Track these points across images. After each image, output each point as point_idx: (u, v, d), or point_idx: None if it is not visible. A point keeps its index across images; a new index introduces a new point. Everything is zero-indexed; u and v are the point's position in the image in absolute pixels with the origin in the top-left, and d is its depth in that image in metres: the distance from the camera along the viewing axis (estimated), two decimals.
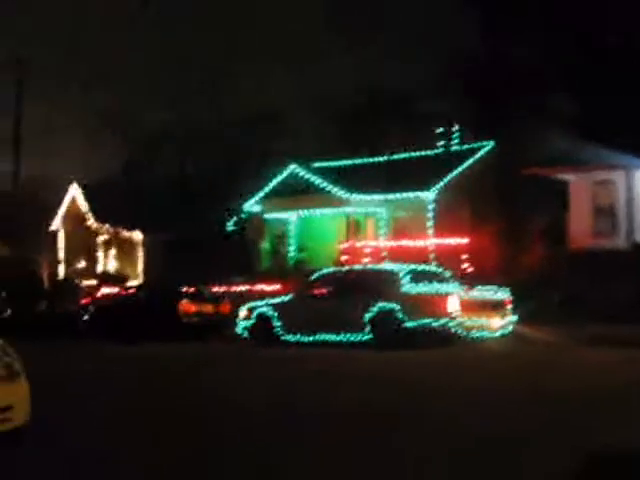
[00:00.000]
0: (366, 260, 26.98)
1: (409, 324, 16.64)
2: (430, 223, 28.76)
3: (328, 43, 43.62)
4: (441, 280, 17.99)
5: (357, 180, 29.77)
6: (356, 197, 29.23)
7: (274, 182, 30.99)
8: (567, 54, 29.32)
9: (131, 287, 27.60)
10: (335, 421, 8.18)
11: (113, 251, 38.63)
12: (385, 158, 32.74)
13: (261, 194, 31.41)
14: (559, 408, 8.76)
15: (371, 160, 33.13)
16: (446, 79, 32.33)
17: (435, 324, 16.54)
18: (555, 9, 29.35)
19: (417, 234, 28.34)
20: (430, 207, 28.90)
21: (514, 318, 17.99)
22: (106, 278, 34.13)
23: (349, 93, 38.74)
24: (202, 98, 42.98)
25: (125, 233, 37.99)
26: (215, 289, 26.32)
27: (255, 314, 19.21)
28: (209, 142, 42.08)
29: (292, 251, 30.94)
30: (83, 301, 25.79)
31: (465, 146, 31.47)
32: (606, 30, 28.23)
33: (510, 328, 17.87)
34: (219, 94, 43.70)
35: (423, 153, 32.22)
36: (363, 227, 30.76)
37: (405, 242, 27.92)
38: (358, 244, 29.09)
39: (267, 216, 31.25)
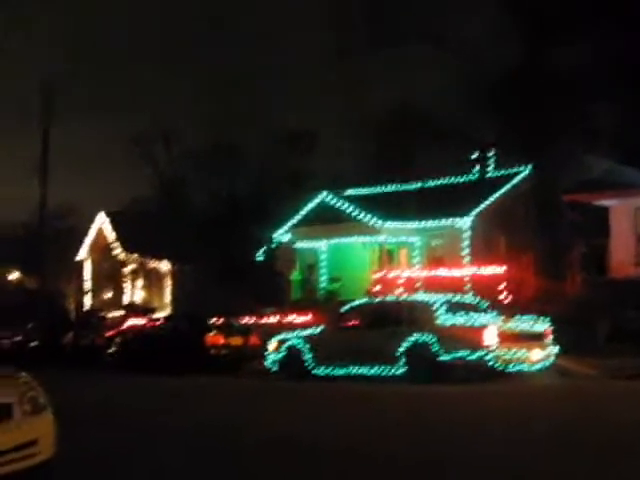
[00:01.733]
0: (399, 291, 27.01)
1: (444, 357, 16.54)
2: (466, 252, 28.78)
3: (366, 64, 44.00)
4: (478, 311, 17.85)
5: (390, 208, 29.83)
6: (389, 225, 29.32)
7: (305, 210, 31.23)
8: (611, 69, 29.01)
9: (158, 318, 27.69)
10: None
11: (140, 281, 38.92)
12: (418, 185, 32.80)
13: (291, 223, 31.63)
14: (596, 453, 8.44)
15: (404, 187, 33.18)
16: (482, 100, 32.33)
17: (472, 357, 16.35)
18: (601, 20, 29.10)
19: (452, 263, 28.30)
20: (466, 235, 28.91)
21: (555, 350, 17.72)
22: (133, 309, 34.40)
23: (383, 113, 39.21)
24: (238, 119, 44.60)
25: (152, 263, 38.18)
26: (244, 320, 26.43)
27: (285, 346, 19.16)
28: (242, 165, 42.58)
29: (323, 281, 30.95)
30: (109, 333, 26.02)
31: (501, 171, 31.58)
32: None
33: (551, 360, 17.60)
34: (254, 114, 45.06)
35: (458, 179, 32.33)
36: (396, 256, 30.84)
37: (440, 272, 27.84)
38: (391, 274, 29.01)
39: (297, 245, 31.34)
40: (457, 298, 18.73)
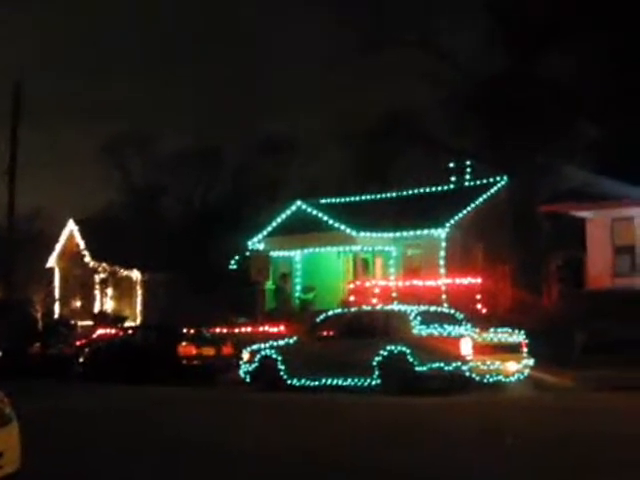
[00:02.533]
0: (375, 301, 26.95)
1: (420, 368, 16.61)
2: (442, 262, 28.63)
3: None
4: (454, 322, 17.95)
5: (366, 217, 29.84)
6: (364, 235, 29.24)
7: (280, 219, 31.10)
8: (593, 79, 29.33)
9: (129, 328, 27.68)
10: None
11: (111, 290, 38.54)
12: (395, 194, 32.87)
13: (266, 231, 31.45)
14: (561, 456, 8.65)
15: (381, 196, 33.19)
16: (462, 108, 32.51)
17: (448, 368, 16.43)
18: (583, 30, 29.32)
19: (428, 273, 28.25)
20: (442, 245, 28.82)
21: (530, 362, 17.75)
22: (103, 318, 34.18)
23: (364, 120, 40.03)
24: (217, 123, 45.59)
25: (124, 271, 37.97)
26: (217, 331, 26.28)
27: (259, 357, 19.14)
28: (218, 171, 42.90)
29: (297, 291, 30.88)
30: (78, 342, 25.83)
31: (478, 181, 31.61)
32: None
33: (526, 372, 17.66)
34: (236, 119, 46.11)
35: (435, 189, 32.26)
36: (372, 266, 30.69)
37: (416, 282, 27.87)
38: (367, 284, 29.01)
39: (272, 254, 31.21)
40: (433, 309, 18.86)
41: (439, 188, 32.08)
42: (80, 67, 63.03)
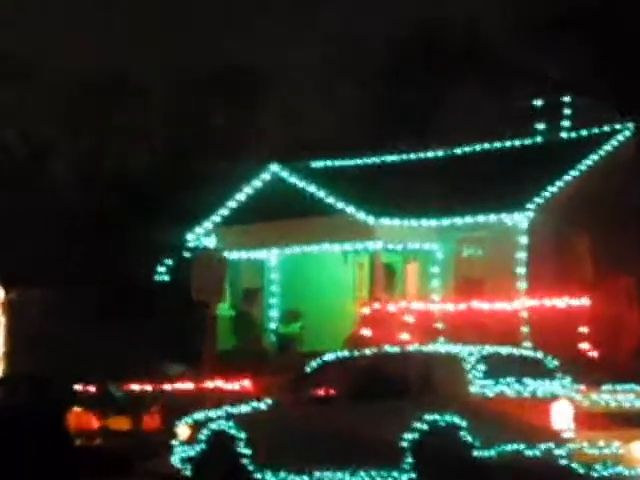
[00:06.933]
0: (405, 336, 27.27)
1: (483, 452, 16.48)
2: (522, 269, 28.90)
3: None
4: (541, 373, 17.94)
5: (390, 194, 30.24)
6: (388, 223, 29.63)
7: (242, 195, 31.52)
8: None
9: None
10: None
11: None
12: (441, 154, 33.00)
13: (218, 217, 31.82)
14: None
15: (414, 158, 33.30)
16: (550, 21, 33.71)
17: (530, 453, 16.26)
18: None
19: (498, 289, 28.61)
20: (522, 241, 29.08)
21: None
22: None
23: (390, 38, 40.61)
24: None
25: None
26: (135, 388, 26.54)
27: (206, 434, 19.08)
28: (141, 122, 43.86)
29: (273, 320, 31.14)
30: None
31: (584, 132, 31.91)
32: None
33: None
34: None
35: (507, 145, 32.37)
36: (400, 276, 31.18)
37: (477, 304, 28.12)
38: (391, 307, 29.23)
39: (229, 255, 30.61)
40: (506, 351, 18.88)
41: (514, 144, 32.38)
42: None
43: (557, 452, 16.12)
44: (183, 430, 19.54)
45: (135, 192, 40.56)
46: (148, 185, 40.92)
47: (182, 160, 42.16)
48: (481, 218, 29.53)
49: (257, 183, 31.39)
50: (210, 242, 31.85)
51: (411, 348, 20.77)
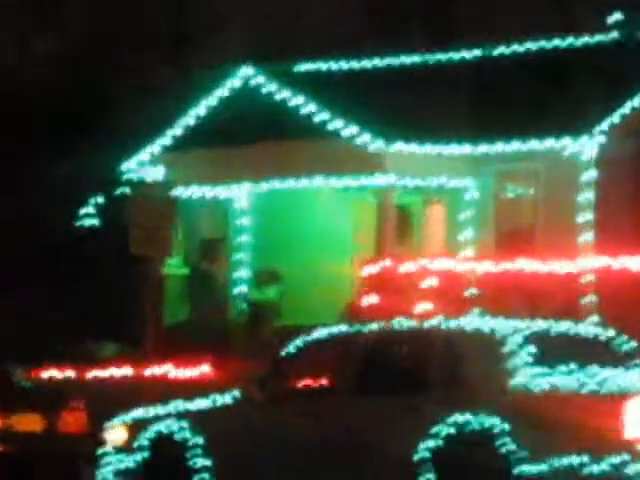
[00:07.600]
0: (424, 307, 26.83)
1: (530, 467, 15.72)
2: (587, 216, 27.97)
3: None
4: (610, 360, 17.10)
5: (402, 109, 29.09)
6: (403, 149, 28.57)
7: (198, 111, 30.66)
8: None
9: None
10: None
11: None
12: (472, 56, 31.98)
13: (166, 139, 30.94)
14: None
15: (434, 59, 32.64)
16: None
17: (594, 468, 15.44)
18: None
19: (554, 244, 28.03)
20: (588, 177, 28.10)
21: None
22: None
23: None
24: None
25: None
26: (48, 374, 27.08)
27: (149, 437, 18.37)
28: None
29: (241, 280, 30.63)
30: None
31: None
32: None
33: None
34: None
35: (567, 43, 31.28)
36: (419, 224, 30.73)
37: (524, 263, 27.52)
38: (406, 265, 28.33)
39: (180, 193, 30.56)
40: (562, 328, 17.92)
41: (576, 42, 31.27)
42: None
43: (631, 468, 15.56)
44: (117, 433, 18.92)
45: (44, 104, 39.08)
46: (62, 96, 39.64)
47: (114, 62, 41.25)
48: (531, 144, 28.29)
49: (222, 92, 30.17)
50: (155, 174, 30.87)
51: (432, 323, 18.92)
